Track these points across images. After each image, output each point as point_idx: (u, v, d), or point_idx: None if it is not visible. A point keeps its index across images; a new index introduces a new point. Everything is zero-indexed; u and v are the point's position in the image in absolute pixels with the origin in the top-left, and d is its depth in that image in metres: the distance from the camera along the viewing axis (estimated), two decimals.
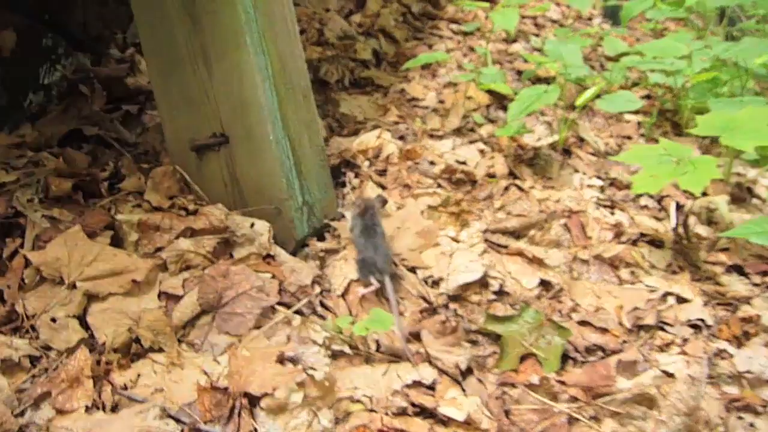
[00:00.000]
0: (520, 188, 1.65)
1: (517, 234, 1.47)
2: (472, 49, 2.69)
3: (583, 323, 1.23)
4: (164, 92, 1.25)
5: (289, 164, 1.23)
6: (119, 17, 1.81)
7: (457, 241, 1.38)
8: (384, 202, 1.39)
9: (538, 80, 2.30)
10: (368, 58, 2.33)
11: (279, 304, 1.12)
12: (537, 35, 2.83)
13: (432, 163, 1.69)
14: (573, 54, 1.79)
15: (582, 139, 1.94)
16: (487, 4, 2.34)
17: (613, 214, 1.59)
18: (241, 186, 1.24)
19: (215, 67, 1.19)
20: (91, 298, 1.03)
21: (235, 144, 1.22)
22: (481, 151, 1.76)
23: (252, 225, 1.19)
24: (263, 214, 1.23)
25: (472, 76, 2.07)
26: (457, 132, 1.90)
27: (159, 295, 1.08)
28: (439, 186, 1.62)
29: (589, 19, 3.52)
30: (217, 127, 1.23)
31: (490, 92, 2.10)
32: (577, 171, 1.77)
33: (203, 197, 1.25)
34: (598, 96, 1.80)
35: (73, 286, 1.03)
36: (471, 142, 1.85)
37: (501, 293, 1.28)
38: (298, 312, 1.13)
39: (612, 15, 3.34)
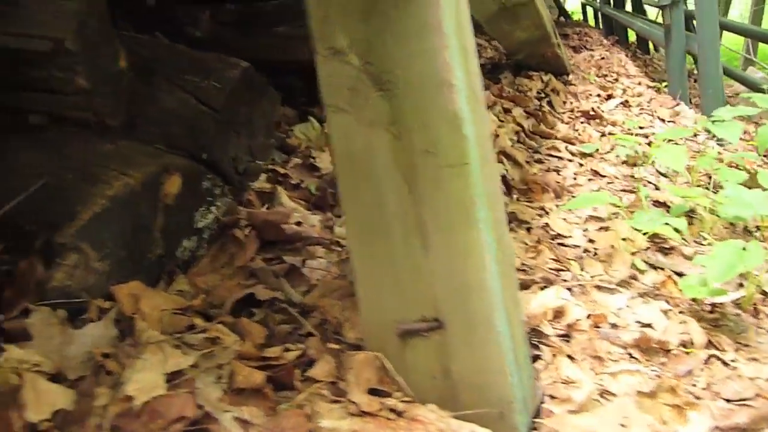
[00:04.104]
0: (723, 362, 1.42)
1: None
2: (596, 173, 2.54)
3: None
4: (365, 265, 1.08)
5: (512, 357, 1.04)
6: (266, 149, 1.70)
7: None
8: None
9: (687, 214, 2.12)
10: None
11: None
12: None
13: (614, 326, 1.49)
14: (764, 202, 1.60)
15: (766, 294, 1.72)
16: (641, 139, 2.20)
17: None
18: (455, 381, 1.05)
19: (433, 243, 1.03)
20: None
21: (451, 332, 1.04)
22: (665, 312, 1.55)
23: None
24: (481, 418, 1.02)
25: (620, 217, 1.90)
26: (625, 284, 1.70)
27: None
28: (631, 357, 1.40)
29: (694, 135, 3.36)
30: (429, 311, 1.05)
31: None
32: None
33: (407, 391, 1.06)
34: None
35: None
36: (641, 296, 1.64)
37: None
38: None
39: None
